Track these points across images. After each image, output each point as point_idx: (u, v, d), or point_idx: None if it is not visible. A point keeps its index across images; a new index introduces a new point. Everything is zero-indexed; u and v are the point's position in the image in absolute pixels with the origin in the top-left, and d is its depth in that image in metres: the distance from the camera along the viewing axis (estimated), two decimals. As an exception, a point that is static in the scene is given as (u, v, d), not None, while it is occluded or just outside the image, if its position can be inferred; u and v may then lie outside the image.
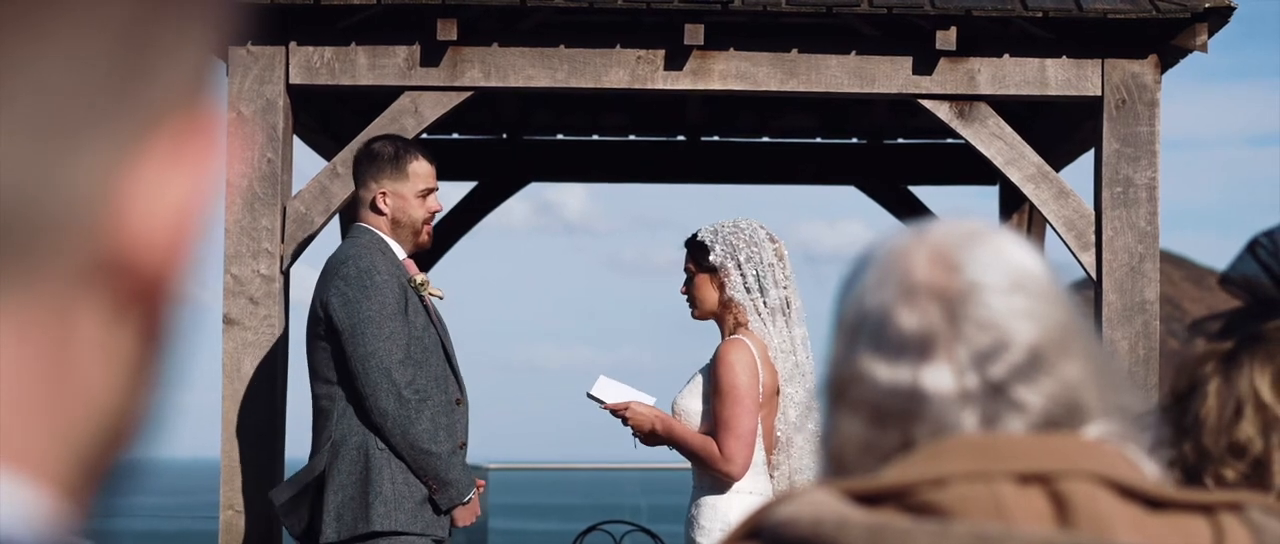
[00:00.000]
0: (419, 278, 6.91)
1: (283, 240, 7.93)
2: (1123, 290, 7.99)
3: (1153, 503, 1.66)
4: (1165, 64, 8.08)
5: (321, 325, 6.79)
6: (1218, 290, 2.44)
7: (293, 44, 7.98)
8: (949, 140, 10.47)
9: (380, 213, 6.94)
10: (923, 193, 11.35)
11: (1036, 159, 8.10)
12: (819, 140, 11.38)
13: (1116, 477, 1.66)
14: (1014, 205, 10.65)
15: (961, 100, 8.09)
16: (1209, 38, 7.95)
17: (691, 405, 6.66)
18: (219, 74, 0.84)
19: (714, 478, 6.62)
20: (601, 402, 6.85)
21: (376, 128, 7.92)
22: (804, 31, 8.23)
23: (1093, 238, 8.04)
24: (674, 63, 8.06)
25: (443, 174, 7.22)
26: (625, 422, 6.80)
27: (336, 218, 8.94)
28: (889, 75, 8.09)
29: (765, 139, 11.36)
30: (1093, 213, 8.07)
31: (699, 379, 6.69)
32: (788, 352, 6.64)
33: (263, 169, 7.93)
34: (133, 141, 0.80)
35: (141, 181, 0.80)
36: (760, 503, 1.66)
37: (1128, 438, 1.72)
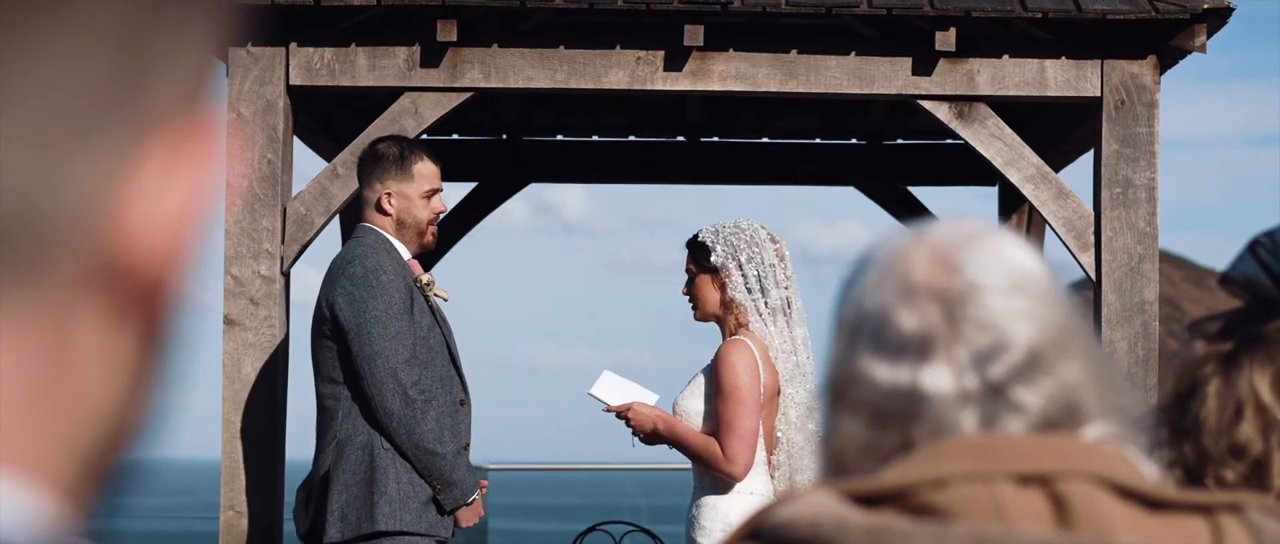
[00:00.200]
0: (425, 278, 6.91)
1: (283, 241, 7.93)
2: (1122, 291, 7.99)
3: (1152, 504, 1.66)
4: (1164, 64, 8.09)
5: (327, 325, 6.78)
6: (1217, 290, 2.44)
7: (293, 45, 7.98)
8: (948, 141, 10.47)
9: (385, 213, 6.93)
10: (922, 193, 11.35)
11: (1036, 160, 8.11)
12: (818, 141, 11.38)
13: (1116, 478, 1.66)
14: (1013, 206, 10.65)
15: (961, 101, 8.09)
16: (1208, 38, 7.96)
17: (693, 406, 6.66)
18: (219, 75, 0.85)
19: (715, 478, 6.62)
20: (603, 402, 6.85)
21: (376, 129, 7.92)
22: (803, 32, 8.24)
23: (1092, 238, 8.04)
24: (674, 63, 8.06)
25: (443, 175, 7.22)
26: (628, 423, 6.80)
27: (337, 219, 8.94)
28: (888, 76, 8.09)
29: (765, 140, 11.36)
30: (1092, 213, 8.07)
31: (700, 380, 6.69)
32: (789, 352, 6.64)
33: (263, 170, 7.94)
34: (133, 145, 0.80)
35: (141, 185, 0.80)
36: (760, 503, 1.66)
37: (1127, 439, 1.72)
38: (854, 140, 11.37)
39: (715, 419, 6.59)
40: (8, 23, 0.77)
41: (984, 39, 8.07)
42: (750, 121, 11.17)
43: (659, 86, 8.12)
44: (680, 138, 11.30)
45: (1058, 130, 9.66)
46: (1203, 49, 7.95)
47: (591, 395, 6.89)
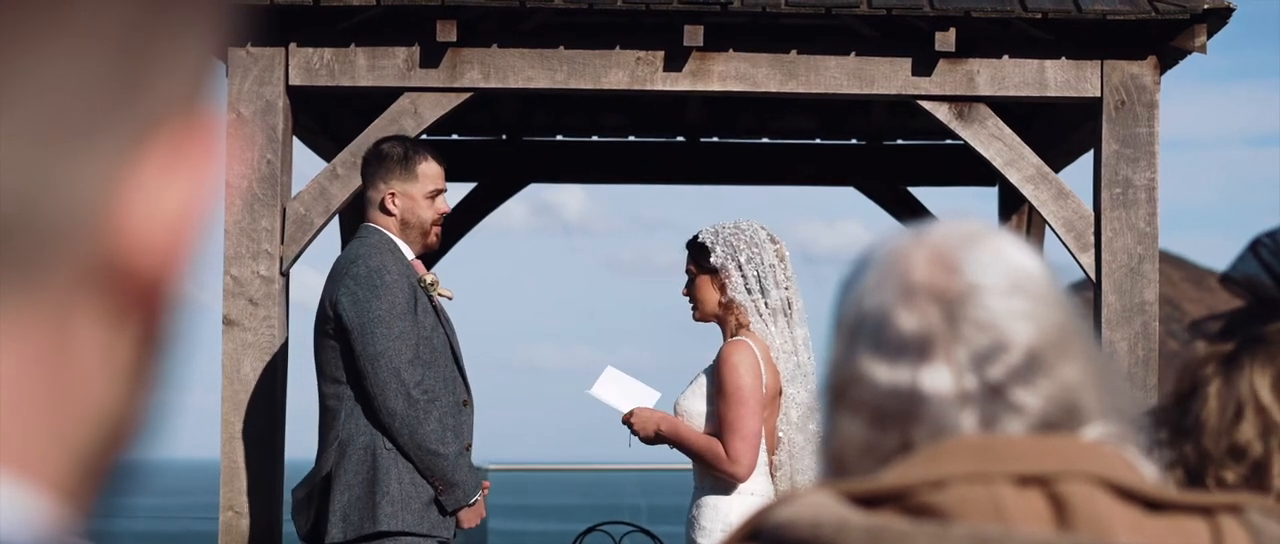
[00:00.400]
0: (429, 278, 6.89)
1: (282, 241, 7.93)
2: (1122, 291, 7.99)
3: (1152, 504, 1.66)
4: (1164, 65, 8.08)
5: (330, 325, 6.77)
6: (1217, 291, 2.44)
7: (292, 45, 7.98)
8: (948, 141, 10.47)
9: (389, 213, 6.92)
10: (922, 194, 11.35)
11: (1036, 160, 8.11)
12: (818, 141, 11.38)
13: (1115, 478, 1.66)
14: (1013, 206, 10.65)
15: (961, 101, 8.09)
16: (1208, 39, 7.95)
17: (694, 407, 6.66)
18: (218, 75, 0.84)
19: (716, 478, 6.62)
20: (605, 403, 6.85)
21: (376, 129, 7.92)
22: (803, 33, 8.24)
23: (1092, 239, 8.04)
24: (673, 64, 8.06)
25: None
26: (630, 427, 6.80)
27: (336, 219, 8.94)
28: (888, 76, 8.09)
29: (764, 140, 11.36)
30: (1092, 214, 8.07)
31: (702, 380, 6.69)
32: (789, 352, 6.64)
33: (262, 170, 7.93)
34: (132, 146, 0.80)
35: (141, 185, 0.80)
36: (761, 504, 1.66)
37: (1126, 439, 1.72)
38: (854, 140, 11.37)
39: (717, 420, 6.59)
40: (8, 23, 0.77)
41: (984, 39, 8.07)
42: (750, 122, 11.17)
43: (659, 87, 8.12)
44: (680, 138, 11.30)
45: (1058, 131, 9.66)
46: (1203, 49, 7.95)
47: (592, 396, 6.88)
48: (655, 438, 6.76)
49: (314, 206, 8.00)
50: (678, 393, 6.78)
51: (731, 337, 6.65)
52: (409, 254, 6.90)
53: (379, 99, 8.47)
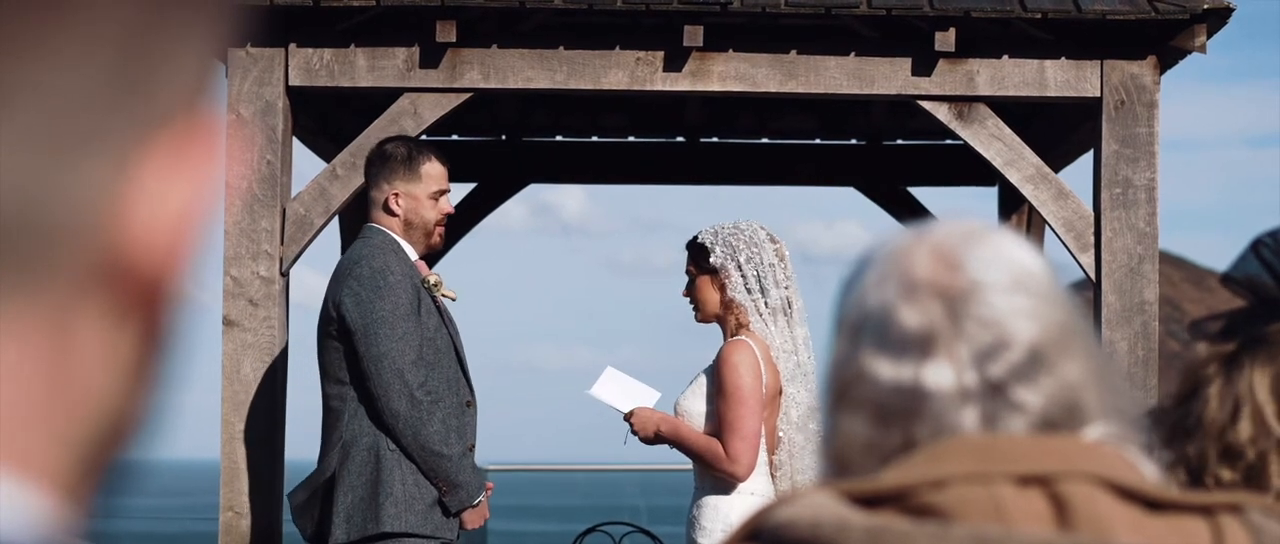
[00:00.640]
0: (433, 278, 6.88)
1: (282, 242, 7.93)
2: (1122, 291, 7.99)
3: (1152, 504, 1.66)
4: (1164, 65, 8.08)
5: (334, 325, 6.75)
6: (1218, 291, 2.44)
7: (292, 46, 7.98)
8: (948, 141, 10.47)
9: (393, 214, 6.91)
10: (922, 194, 11.35)
11: (1035, 160, 8.11)
12: (818, 141, 11.38)
13: (1116, 478, 1.66)
14: (1013, 206, 10.65)
15: (960, 101, 8.09)
16: (1208, 39, 7.95)
17: (695, 407, 6.66)
18: (218, 76, 0.84)
19: (716, 478, 6.62)
20: (605, 404, 6.86)
21: (376, 129, 7.92)
22: (803, 33, 8.24)
23: (1092, 239, 8.04)
24: (673, 64, 8.06)
25: (445, 176, 7.20)
26: (631, 427, 6.80)
27: (336, 220, 8.94)
28: (888, 76, 8.09)
29: (764, 140, 11.36)
30: (1092, 214, 8.07)
31: (702, 380, 6.69)
32: (789, 352, 6.64)
33: (262, 171, 7.93)
34: (134, 148, 0.80)
35: (143, 188, 0.80)
36: (761, 504, 1.66)
37: (1127, 439, 1.72)
38: (854, 141, 11.37)
39: (717, 420, 6.59)
40: (10, 27, 0.77)
41: (984, 39, 8.07)
42: (750, 122, 11.17)
43: (658, 87, 8.12)
44: (680, 138, 11.30)
45: (1057, 131, 9.66)
46: (1203, 49, 7.95)
47: (592, 396, 6.88)
48: (655, 438, 6.76)
49: (314, 207, 8.00)
50: (678, 393, 6.78)
51: (731, 336, 6.65)
52: (412, 255, 6.88)
53: (379, 99, 8.47)
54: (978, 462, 1.64)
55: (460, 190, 11.27)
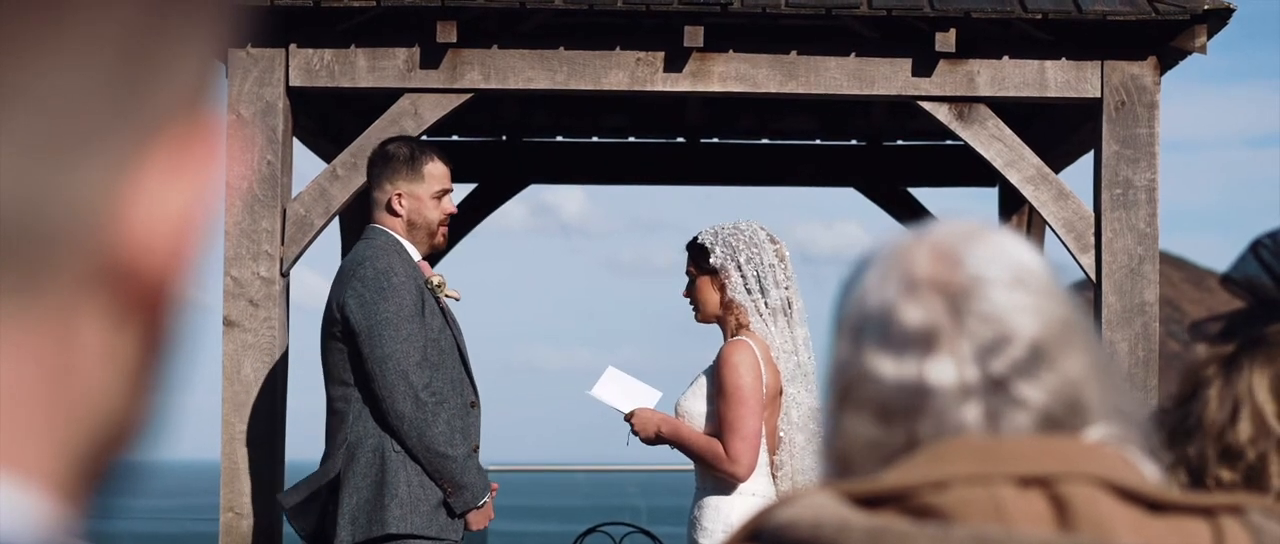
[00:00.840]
0: (436, 279, 6.87)
1: (282, 243, 7.93)
2: (1122, 292, 7.99)
3: (1153, 505, 1.66)
4: (1164, 66, 8.08)
5: (338, 327, 6.73)
6: (1217, 291, 2.44)
7: (292, 46, 7.98)
8: (948, 142, 10.47)
9: (396, 214, 6.89)
10: (922, 194, 11.35)
11: (1036, 161, 8.11)
12: (818, 142, 11.38)
13: (1117, 479, 1.66)
14: (1013, 207, 10.65)
15: (961, 102, 8.09)
16: (1208, 39, 7.95)
17: (695, 407, 6.66)
18: (219, 76, 0.84)
19: (717, 479, 6.62)
20: (606, 404, 6.86)
21: (376, 130, 7.92)
22: (803, 33, 8.24)
23: (1092, 239, 8.04)
24: (673, 65, 8.06)
25: (446, 176, 7.20)
26: (632, 427, 6.80)
27: (336, 220, 8.94)
28: (888, 77, 8.09)
29: (764, 140, 11.36)
30: (1092, 214, 8.07)
31: (702, 381, 6.69)
32: (789, 352, 6.64)
33: (262, 171, 7.93)
34: (134, 151, 0.80)
35: (144, 190, 0.80)
36: (762, 504, 1.66)
37: (1128, 440, 1.72)
38: (854, 141, 11.37)
39: (717, 420, 6.59)
40: (10, 30, 0.77)
41: (984, 40, 8.07)
42: (750, 122, 11.17)
43: (659, 87, 8.12)
44: (680, 139, 11.30)
45: (1058, 131, 9.66)
46: (1203, 50, 7.95)
47: (593, 396, 6.88)
48: (656, 439, 6.76)
49: (314, 208, 8.00)
50: (678, 394, 6.78)
51: (732, 337, 6.65)
52: (415, 255, 6.87)
53: (379, 100, 8.47)
54: (979, 462, 1.64)
55: (461, 191, 11.27)
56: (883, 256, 1.75)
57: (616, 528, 9.71)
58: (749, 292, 6.64)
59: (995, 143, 8.10)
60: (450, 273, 7.02)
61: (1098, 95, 8.05)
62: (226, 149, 0.85)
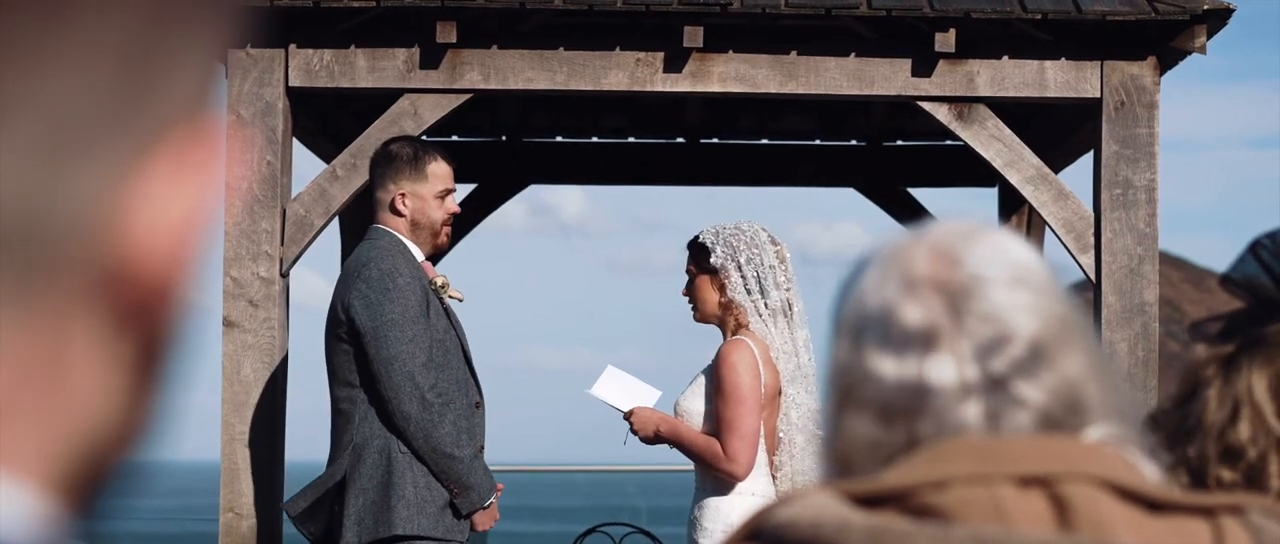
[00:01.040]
0: (439, 280, 6.86)
1: (282, 243, 7.93)
2: (1122, 292, 7.99)
3: (1153, 505, 1.66)
4: (1164, 66, 8.08)
5: (342, 328, 6.72)
6: (1217, 292, 2.44)
7: (292, 46, 7.98)
8: (948, 142, 10.47)
9: (399, 214, 6.88)
10: (922, 194, 11.35)
11: (1035, 161, 8.11)
12: (818, 142, 11.38)
13: (1117, 479, 1.66)
14: (1013, 207, 10.65)
15: (960, 102, 8.09)
16: (1208, 39, 7.95)
17: (694, 406, 6.66)
18: (219, 79, 0.85)
19: (717, 479, 6.62)
20: (605, 403, 6.86)
21: (376, 130, 7.92)
22: (803, 34, 8.24)
23: (1092, 240, 8.04)
24: (673, 65, 8.06)
25: (448, 176, 7.19)
26: (631, 427, 6.81)
27: (336, 220, 8.94)
28: (888, 77, 8.09)
29: (764, 141, 11.36)
30: (1092, 215, 8.07)
31: (701, 380, 6.69)
32: (790, 354, 6.64)
33: (262, 172, 7.93)
34: (136, 156, 0.80)
35: (145, 196, 0.80)
36: (762, 504, 1.66)
37: (1128, 440, 1.72)
38: (854, 141, 11.37)
39: (716, 419, 6.59)
40: (11, 35, 0.77)
41: (984, 40, 8.07)
42: (750, 123, 11.17)
43: (658, 88, 8.12)
44: (680, 139, 11.30)
45: (1057, 131, 9.66)
46: (1203, 50, 7.95)
47: (593, 395, 6.89)
48: (654, 438, 6.76)
49: (314, 208, 8.00)
50: (678, 393, 6.78)
51: (731, 336, 6.65)
52: (419, 256, 6.87)
53: (379, 100, 8.47)
54: (979, 462, 1.65)
55: (461, 191, 11.25)
56: (882, 257, 1.75)
57: (616, 528, 9.71)
58: (749, 292, 6.64)
59: (995, 143, 8.10)
60: (449, 273, 7.02)
61: (1097, 95, 8.05)
62: (226, 150, 0.85)
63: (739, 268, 6.65)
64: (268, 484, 7.85)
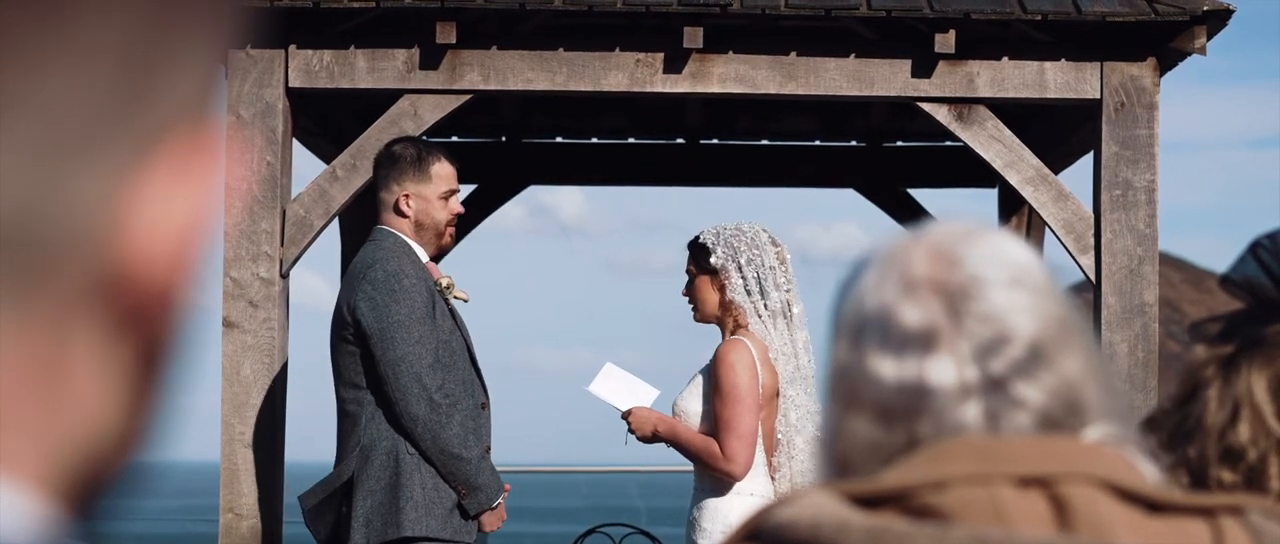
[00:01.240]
0: (445, 281, 6.86)
1: (282, 244, 7.93)
2: (1122, 293, 7.99)
3: (1153, 506, 1.66)
4: (1164, 66, 8.09)
5: (349, 329, 6.71)
6: (1217, 292, 2.44)
7: (292, 47, 7.98)
8: (948, 143, 10.47)
9: (403, 215, 6.88)
10: (922, 195, 11.36)
11: (1035, 162, 8.11)
12: (818, 143, 11.38)
13: (1116, 480, 1.66)
14: (1013, 208, 10.65)
15: (960, 103, 8.09)
16: (1208, 40, 7.96)
17: (692, 406, 6.67)
18: (219, 79, 0.85)
19: (715, 480, 6.62)
20: (604, 401, 6.86)
21: (375, 131, 7.92)
22: (803, 34, 8.24)
23: (1092, 240, 8.04)
24: (673, 66, 8.06)
25: (451, 176, 7.19)
26: (629, 426, 6.81)
27: (336, 221, 8.94)
28: (888, 78, 8.09)
29: (764, 141, 11.36)
30: (1092, 215, 8.07)
31: (699, 380, 6.69)
32: (789, 355, 6.64)
33: (262, 172, 7.93)
34: (136, 158, 0.80)
35: (146, 198, 0.80)
36: (760, 505, 1.66)
37: (1127, 440, 1.72)
38: (853, 142, 11.37)
39: (714, 419, 6.59)
40: (11, 37, 0.77)
41: (983, 41, 8.07)
42: (749, 123, 11.17)
43: (658, 88, 8.13)
44: (679, 140, 11.30)
45: (1057, 132, 9.66)
46: (1202, 51, 7.95)
47: (592, 393, 6.89)
48: (653, 437, 6.76)
49: (314, 209, 8.00)
50: (676, 393, 6.78)
51: (730, 336, 6.65)
52: (423, 256, 6.86)
53: (379, 101, 8.47)
54: (978, 463, 1.65)
55: (461, 192, 11.26)
56: (881, 258, 1.75)
57: (616, 529, 9.71)
58: (749, 293, 6.64)
59: (995, 144, 8.10)
60: (449, 274, 7.02)
61: (1097, 96, 8.05)
62: (226, 151, 0.85)
63: (739, 268, 6.65)
64: (268, 485, 7.85)
